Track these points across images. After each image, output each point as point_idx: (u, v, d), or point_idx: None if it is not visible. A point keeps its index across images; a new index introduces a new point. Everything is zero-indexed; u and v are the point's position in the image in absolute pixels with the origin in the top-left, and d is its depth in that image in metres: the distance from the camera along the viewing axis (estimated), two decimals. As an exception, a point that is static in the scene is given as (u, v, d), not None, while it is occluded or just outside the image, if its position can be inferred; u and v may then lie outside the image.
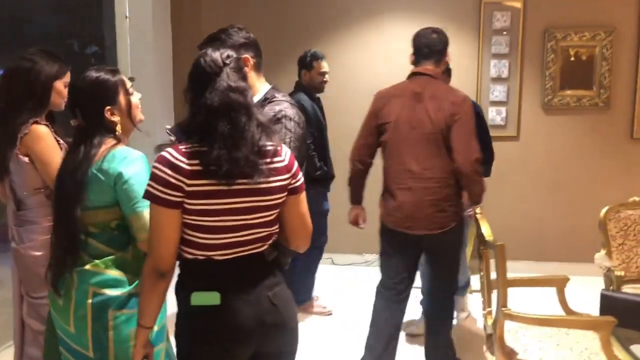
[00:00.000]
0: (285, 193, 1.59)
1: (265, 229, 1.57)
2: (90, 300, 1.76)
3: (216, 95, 1.47)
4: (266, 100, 2.07)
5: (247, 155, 1.46)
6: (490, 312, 2.33)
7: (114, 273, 1.79)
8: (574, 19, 4.62)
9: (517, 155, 4.74)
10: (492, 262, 2.28)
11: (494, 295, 2.33)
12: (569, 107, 4.69)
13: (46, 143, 2.13)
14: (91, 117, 1.80)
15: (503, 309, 2.17)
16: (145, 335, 1.57)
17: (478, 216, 2.44)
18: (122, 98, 1.86)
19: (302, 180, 1.65)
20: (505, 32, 4.69)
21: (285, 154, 1.60)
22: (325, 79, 3.86)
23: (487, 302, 2.36)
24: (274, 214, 1.58)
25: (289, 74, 4.49)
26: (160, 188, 1.46)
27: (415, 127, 2.58)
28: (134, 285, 1.81)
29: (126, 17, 4.73)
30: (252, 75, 2.04)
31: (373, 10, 4.86)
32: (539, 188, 4.78)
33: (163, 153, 1.50)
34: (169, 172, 1.46)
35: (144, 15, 4.73)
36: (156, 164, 1.49)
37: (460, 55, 4.58)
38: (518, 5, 4.65)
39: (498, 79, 4.72)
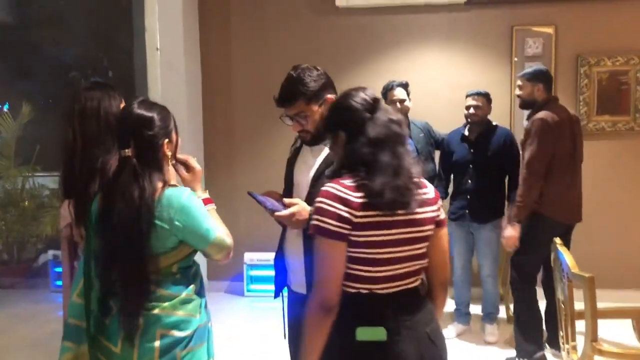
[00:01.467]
0: (433, 225, 1.61)
1: (419, 261, 1.60)
2: (157, 344, 1.72)
3: (379, 128, 1.55)
4: None
5: (407, 183, 1.51)
6: (574, 347, 2.25)
7: (182, 314, 1.77)
8: (606, 44, 4.60)
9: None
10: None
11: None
12: (604, 132, 4.65)
13: None
14: (147, 148, 1.73)
15: (594, 343, 2.09)
16: None
17: (558, 245, 2.37)
18: (174, 134, 1.83)
19: (444, 214, 1.67)
20: (537, 58, 4.68)
21: (429, 187, 1.65)
22: (398, 107, 3.83)
23: (571, 336, 2.27)
24: (425, 246, 1.61)
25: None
26: (330, 222, 1.49)
27: None
28: (198, 321, 1.80)
29: (157, 49, 4.73)
30: None
31: (404, 39, 4.86)
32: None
33: (327, 188, 1.54)
34: (338, 205, 1.50)
35: (175, 47, 4.74)
36: (323, 199, 1.52)
37: (492, 82, 4.57)
38: (550, 31, 4.64)
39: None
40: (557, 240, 2.45)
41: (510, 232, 3.31)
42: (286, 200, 1.99)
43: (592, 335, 2.09)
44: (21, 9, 6.45)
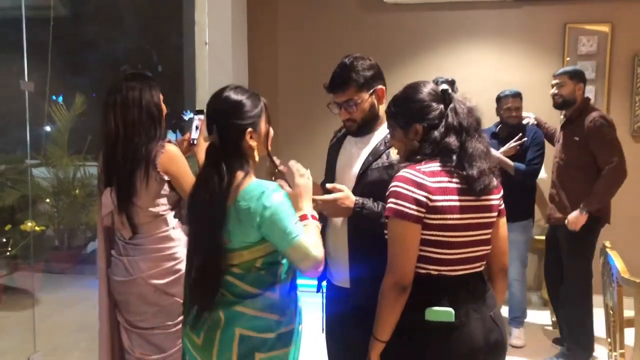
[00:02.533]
0: (497, 213, 1.68)
1: (485, 247, 1.67)
2: (236, 343, 1.66)
3: (459, 117, 1.63)
4: None
5: (481, 171, 1.58)
6: (622, 354, 2.17)
7: (264, 315, 1.69)
8: (665, 43, 4.44)
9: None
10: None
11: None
12: (659, 134, 4.49)
13: (182, 161, 2.21)
14: (229, 137, 1.70)
15: (646, 351, 2.02)
16: (380, 348, 1.63)
17: (608, 249, 2.30)
18: (262, 124, 1.79)
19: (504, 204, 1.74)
20: (591, 57, 4.54)
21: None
22: None
23: (619, 343, 2.20)
24: (490, 232, 1.67)
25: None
26: (406, 204, 1.57)
27: None
28: (283, 325, 1.71)
29: (206, 43, 4.81)
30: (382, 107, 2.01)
31: (452, 36, 4.80)
32: (627, 217, 4.55)
33: (403, 173, 1.61)
34: (414, 189, 1.57)
35: (223, 41, 4.81)
36: (399, 184, 1.60)
37: (544, 82, 4.46)
38: (605, 29, 4.49)
39: (583, 106, 4.56)
40: (607, 243, 2.37)
41: (577, 216, 3.30)
42: (329, 185, 1.95)
43: (643, 344, 2.03)
44: (76, 3, 6.67)
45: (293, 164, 1.88)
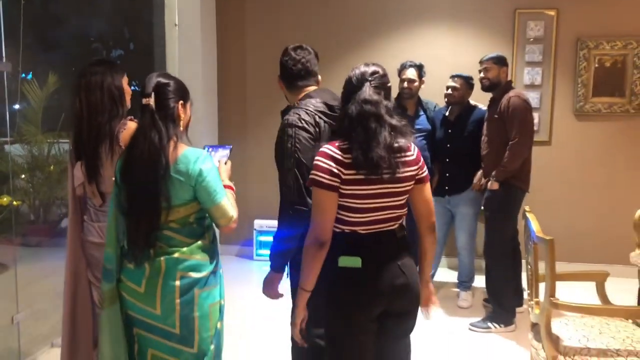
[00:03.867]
0: (413, 182, 1.94)
1: (397, 210, 1.93)
2: (178, 283, 2.00)
3: (354, 106, 1.87)
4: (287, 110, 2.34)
5: (380, 154, 1.81)
6: (537, 302, 2.51)
7: (198, 258, 2.05)
8: (606, 29, 4.76)
9: (549, 160, 4.90)
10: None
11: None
12: (600, 113, 4.84)
13: None
14: (165, 104, 2.01)
15: (551, 298, 2.35)
16: (305, 297, 1.93)
17: (527, 213, 2.63)
18: (188, 107, 2.15)
19: (427, 172, 2.01)
20: (538, 41, 4.86)
21: (414, 150, 1.96)
22: (405, 86, 4.13)
23: (534, 294, 2.54)
24: (404, 199, 1.94)
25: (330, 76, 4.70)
26: (324, 176, 1.84)
27: None
28: (212, 265, 2.09)
29: (175, 25, 4.99)
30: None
31: (408, 19, 5.06)
32: (571, 191, 4.94)
33: (323, 149, 1.89)
34: (331, 163, 1.84)
35: (192, 23, 5.00)
36: (319, 157, 1.87)
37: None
38: (552, 13, 4.81)
39: (531, 86, 4.88)
40: (527, 208, 2.71)
41: (482, 181, 3.87)
42: None
43: (551, 292, 2.35)
44: (47, -19, 6.73)
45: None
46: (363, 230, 1.90)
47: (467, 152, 4.06)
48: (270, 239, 5.30)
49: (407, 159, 1.91)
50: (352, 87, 1.92)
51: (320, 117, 2.22)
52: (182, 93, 2.10)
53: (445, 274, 4.92)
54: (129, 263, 2.04)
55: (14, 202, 5.24)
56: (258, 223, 5.30)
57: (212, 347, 2.10)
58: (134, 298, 2.04)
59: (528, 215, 2.60)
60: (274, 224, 5.29)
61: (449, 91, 4.13)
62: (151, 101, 2.00)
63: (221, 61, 5.39)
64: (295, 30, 5.20)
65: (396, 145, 1.87)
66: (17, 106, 5.73)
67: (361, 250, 1.89)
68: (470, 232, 4.20)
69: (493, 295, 3.84)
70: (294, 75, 2.36)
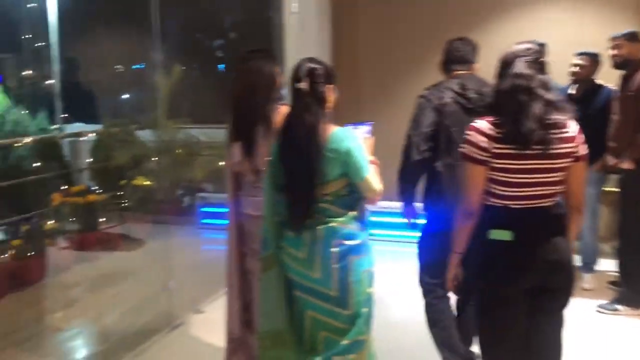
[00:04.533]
0: (570, 159, 1.97)
1: (551, 187, 1.97)
2: (335, 250, 2.21)
3: (505, 80, 1.96)
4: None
5: (530, 127, 1.87)
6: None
7: (352, 227, 2.25)
8: None
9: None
10: None
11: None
12: None
13: None
14: (316, 87, 2.21)
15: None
16: (458, 258, 2.11)
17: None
18: (334, 88, 2.33)
19: (585, 150, 2.02)
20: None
21: (571, 126, 1.98)
22: None
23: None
24: (559, 176, 1.97)
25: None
26: (473, 149, 1.97)
27: None
28: (364, 234, 2.28)
29: (293, 13, 5.19)
30: None
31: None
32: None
33: (474, 124, 2.00)
34: (480, 137, 1.95)
35: (308, 10, 5.17)
36: (470, 132, 1.99)
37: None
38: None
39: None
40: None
41: (614, 161, 3.74)
42: None
43: None
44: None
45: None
46: (515, 204, 1.96)
47: (592, 130, 3.93)
48: (385, 219, 5.43)
49: (563, 135, 1.93)
50: (504, 64, 1.99)
51: (449, 93, 2.59)
52: (330, 77, 2.29)
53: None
54: (289, 232, 2.26)
55: (145, 183, 5.74)
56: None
57: (364, 310, 2.27)
58: (295, 263, 2.26)
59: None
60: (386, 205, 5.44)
61: (575, 68, 4.05)
62: (304, 85, 2.20)
63: (335, 49, 5.54)
64: (407, 15, 5.25)
65: (550, 120, 1.90)
66: (151, 95, 6.21)
67: (512, 224, 1.95)
68: (594, 213, 4.11)
69: (625, 277, 3.76)
70: (445, 61, 2.86)
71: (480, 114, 2.08)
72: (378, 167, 2.34)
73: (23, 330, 3.67)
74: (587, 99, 4.03)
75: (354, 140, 2.22)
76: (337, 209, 2.24)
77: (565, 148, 1.95)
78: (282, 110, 2.59)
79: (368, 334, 2.31)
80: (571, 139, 1.97)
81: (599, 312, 3.73)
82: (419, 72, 5.28)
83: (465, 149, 1.99)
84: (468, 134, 1.99)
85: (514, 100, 1.90)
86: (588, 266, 4.22)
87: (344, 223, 2.23)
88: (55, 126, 6.56)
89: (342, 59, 5.56)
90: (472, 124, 2.00)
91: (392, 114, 5.34)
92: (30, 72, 6.74)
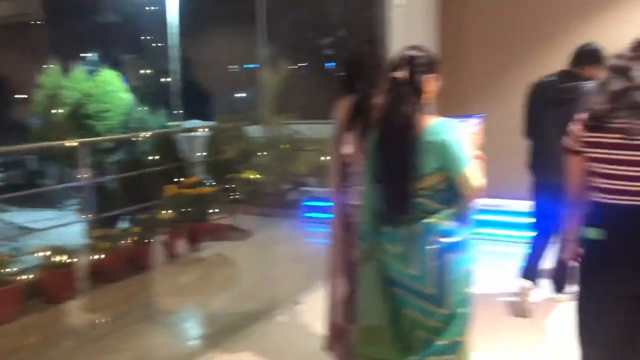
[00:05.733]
0: None
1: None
2: (433, 247, 2.13)
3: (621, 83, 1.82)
4: None
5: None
6: None
7: (450, 224, 2.16)
8: None
9: None
10: None
11: None
12: None
13: None
14: (413, 77, 2.12)
15: None
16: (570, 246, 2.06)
17: None
18: (436, 77, 2.22)
19: None
20: None
21: None
22: None
23: None
24: None
25: (550, 56, 4.47)
26: (567, 139, 1.93)
27: None
28: (463, 231, 2.18)
29: (398, 6, 5.14)
30: None
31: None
32: None
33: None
34: (576, 126, 1.90)
35: (413, 3, 5.10)
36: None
37: None
38: None
39: None
40: None
41: None
42: None
43: None
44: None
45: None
46: (610, 199, 1.83)
47: None
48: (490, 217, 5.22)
49: None
50: (615, 69, 1.87)
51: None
52: (431, 66, 2.18)
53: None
54: (387, 227, 2.22)
55: (253, 176, 5.98)
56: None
57: (461, 310, 2.19)
58: (392, 258, 2.22)
59: None
60: (494, 202, 5.24)
61: None
62: (402, 74, 2.13)
63: (443, 42, 5.42)
64: (519, 8, 5.03)
65: None
66: (258, 92, 6.46)
67: (605, 222, 1.84)
68: None
69: None
70: None
71: None
72: (484, 163, 2.23)
73: (140, 310, 3.98)
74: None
75: (453, 133, 2.11)
76: (434, 204, 2.15)
77: None
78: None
79: (465, 335, 2.23)
80: None
81: None
82: (529, 62, 5.04)
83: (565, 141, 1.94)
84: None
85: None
86: None
87: (442, 219, 2.15)
88: (173, 123, 7.05)
89: (450, 49, 5.43)
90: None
91: (500, 111, 5.15)
92: (151, 71, 7.23)
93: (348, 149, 2.68)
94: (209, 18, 7.87)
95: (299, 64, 7.63)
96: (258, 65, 6.89)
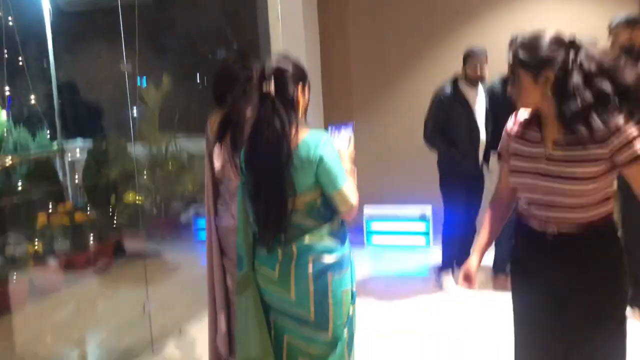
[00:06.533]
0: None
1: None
2: (310, 268, 2.00)
3: (594, 61, 1.68)
4: None
5: None
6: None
7: (329, 242, 2.03)
8: None
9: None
10: None
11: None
12: None
13: None
14: (285, 89, 1.98)
15: None
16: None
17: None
18: (307, 90, 2.09)
19: None
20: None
21: None
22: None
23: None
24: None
25: (432, 60, 4.55)
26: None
27: None
28: (343, 249, 2.06)
29: (278, 18, 5.05)
30: None
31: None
32: None
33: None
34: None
35: (294, 16, 5.03)
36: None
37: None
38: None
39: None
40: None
41: None
42: None
43: None
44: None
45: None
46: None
47: None
48: (382, 226, 5.28)
49: None
50: (551, 51, 1.72)
51: None
52: (301, 76, 2.06)
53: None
54: (261, 249, 2.08)
55: (138, 199, 5.62)
56: (368, 211, 5.26)
57: (345, 333, 2.08)
58: (269, 284, 2.07)
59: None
60: (384, 211, 5.30)
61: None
62: (271, 87, 1.99)
63: (324, 53, 5.40)
64: (396, 17, 5.11)
65: None
66: (135, 109, 6.11)
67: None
68: None
69: (635, 277, 3.52)
70: None
71: None
72: (355, 177, 2.12)
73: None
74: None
75: (328, 146, 1.99)
76: (311, 222, 2.03)
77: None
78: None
79: (350, 358, 2.12)
80: None
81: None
82: (414, 69, 5.13)
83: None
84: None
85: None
86: None
87: (320, 237, 2.02)
88: (54, 142, 6.49)
89: (333, 65, 5.42)
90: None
91: (384, 121, 5.20)
92: (31, 91, 6.71)
93: (219, 165, 2.52)
94: (86, 35, 7.44)
95: (184, 78, 7.34)
96: (144, 80, 6.58)
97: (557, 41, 1.69)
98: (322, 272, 2.01)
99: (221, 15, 7.02)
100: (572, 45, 1.69)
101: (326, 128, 2.18)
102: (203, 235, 5.34)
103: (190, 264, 5.27)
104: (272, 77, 2.00)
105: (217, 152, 2.53)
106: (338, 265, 2.04)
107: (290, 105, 2.01)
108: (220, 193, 2.61)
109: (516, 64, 1.75)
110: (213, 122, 2.58)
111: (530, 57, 1.71)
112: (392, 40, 5.22)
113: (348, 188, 2.01)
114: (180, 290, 4.55)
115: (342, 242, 2.08)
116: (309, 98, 2.13)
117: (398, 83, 5.21)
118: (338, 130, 2.21)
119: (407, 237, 5.16)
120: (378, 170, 5.04)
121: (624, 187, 3.47)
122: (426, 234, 5.09)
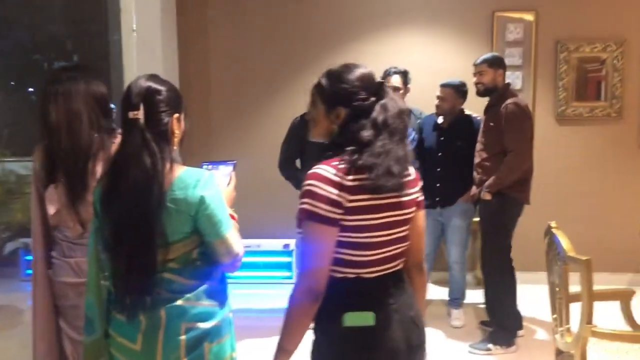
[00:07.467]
0: (415, 208, 1.57)
1: (401, 244, 1.56)
2: (183, 337, 1.61)
3: (386, 115, 1.50)
4: None
5: (389, 171, 1.44)
6: (568, 329, 2.26)
7: (207, 304, 1.66)
8: (585, 31, 4.64)
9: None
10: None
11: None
12: (581, 117, 4.71)
13: None
14: (157, 117, 1.61)
15: (589, 325, 2.11)
16: (287, 358, 1.52)
17: (554, 229, 2.38)
18: (183, 117, 1.73)
19: (422, 195, 1.62)
20: (518, 44, 4.70)
21: (411, 168, 1.57)
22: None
23: (565, 319, 2.29)
24: (407, 229, 1.56)
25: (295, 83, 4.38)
26: (321, 206, 1.42)
27: None
28: (223, 312, 1.70)
29: (133, 30, 4.57)
30: None
31: (384, 22, 4.82)
32: (552, 197, 4.77)
33: (317, 170, 1.46)
34: (330, 189, 1.43)
35: (151, 28, 4.59)
36: (314, 182, 1.45)
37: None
38: (530, 17, 4.66)
39: (511, 91, 4.72)
40: (553, 223, 2.46)
41: (475, 192, 3.61)
42: None
43: (588, 318, 2.12)
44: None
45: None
46: (369, 273, 1.50)
47: (460, 161, 3.78)
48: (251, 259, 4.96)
49: (409, 178, 1.55)
50: (352, 90, 1.55)
51: None
52: (177, 102, 1.69)
53: (432, 290, 4.66)
54: (118, 314, 1.64)
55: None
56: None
57: None
58: (128, 357, 1.64)
59: (555, 231, 2.35)
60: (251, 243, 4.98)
61: (437, 102, 3.86)
62: (140, 115, 1.59)
63: (183, 70, 4.99)
64: (259, 36, 4.89)
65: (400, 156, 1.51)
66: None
67: (371, 301, 1.50)
68: (463, 246, 3.95)
69: (493, 315, 3.60)
70: None
71: None
72: (236, 222, 1.76)
73: None
74: (455, 130, 3.87)
75: (210, 185, 1.63)
76: (185, 280, 1.63)
77: (412, 194, 1.57)
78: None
79: None
80: (415, 183, 1.59)
81: (471, 352, 3.51)
82: (278, 98, 4.92)
83: (313, 206, 1.45)
84: (314, 185, 1.46)
85: (398, 142, 1.50)
86: (456, 302, 4.04)
87: (196, 299, 1.63)
88: None
89: (191, 81, 5.02)
90: (317, 171, 1.48)
91: (247, 139, 4.92)
92: None
93: (51, 208, 2.02)
94: None
95: (15, 90, 6.43)
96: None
97: (364, 80, 1.54)
98: (198, 342, 1.63)
99: (64, 23, 6.29)
100: (378, 90, 1.53)
101: (199, 165, 1.80)
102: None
103: (15, 307, 4.48)
104: (142, 101, 1.59)
105: (50, 192, 2.02)
106: (216, 331, 1.66)
107: (164, 136, 1.62)
108: (55, 241, 2.10)
109: (315, 90, 1.60)
110: (38, 154, 2.06)
111: (330, 88, 1.56)
112: (254, 59, 4.99)
113: (233, 235, 1.67)
114: (3, 340, 3.80)
115: (222, 303, 1.71)
116: (185, 127, 1.74)
117: (260, 105, 4.97)
118: (216, 167, 1.85)
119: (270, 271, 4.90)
120: (245, 201, 4.72)
121: (483, 227, 3.59)
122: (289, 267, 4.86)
